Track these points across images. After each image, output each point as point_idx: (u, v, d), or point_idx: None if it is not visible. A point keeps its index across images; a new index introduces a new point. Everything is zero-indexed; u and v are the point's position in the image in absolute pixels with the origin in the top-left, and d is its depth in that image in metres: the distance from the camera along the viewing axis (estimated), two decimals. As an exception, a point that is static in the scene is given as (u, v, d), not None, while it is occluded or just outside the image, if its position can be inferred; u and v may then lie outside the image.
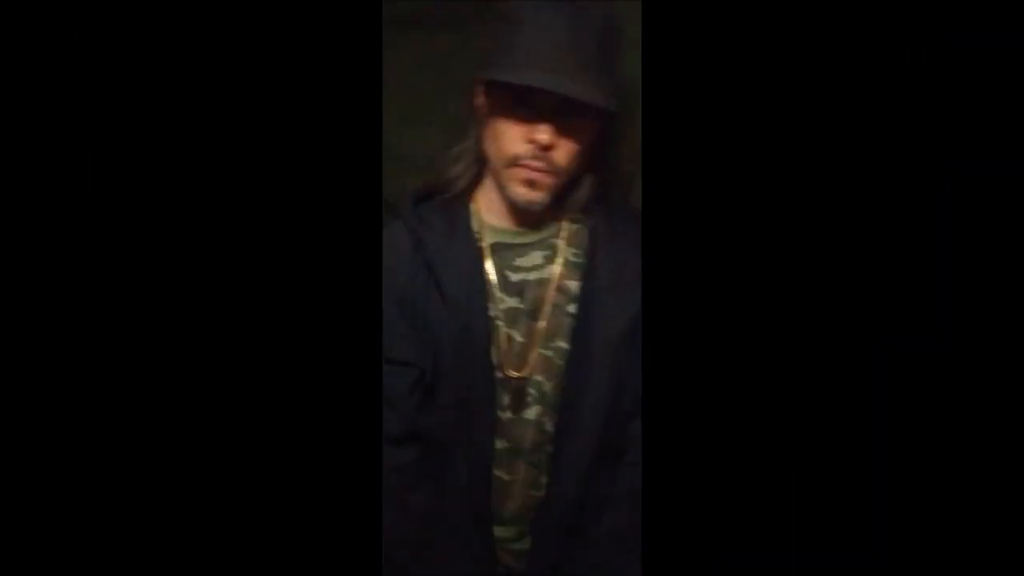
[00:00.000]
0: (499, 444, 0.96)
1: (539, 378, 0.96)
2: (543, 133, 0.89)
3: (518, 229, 0.98)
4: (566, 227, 0.98)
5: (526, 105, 0.89)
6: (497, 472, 0.96)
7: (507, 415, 0.96)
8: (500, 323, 0.95)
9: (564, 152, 0.92)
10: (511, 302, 0.96)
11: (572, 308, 0.96)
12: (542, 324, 0.95)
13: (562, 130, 0.90)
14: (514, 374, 0.95)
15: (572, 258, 0.98)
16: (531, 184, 0.92)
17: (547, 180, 0.92)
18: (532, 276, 0.97)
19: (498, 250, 0.98)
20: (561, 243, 0.98)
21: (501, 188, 0.95)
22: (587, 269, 0.97)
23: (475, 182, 0.99)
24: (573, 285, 0.97)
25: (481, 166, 0.98)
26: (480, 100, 0.93)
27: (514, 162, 0.92)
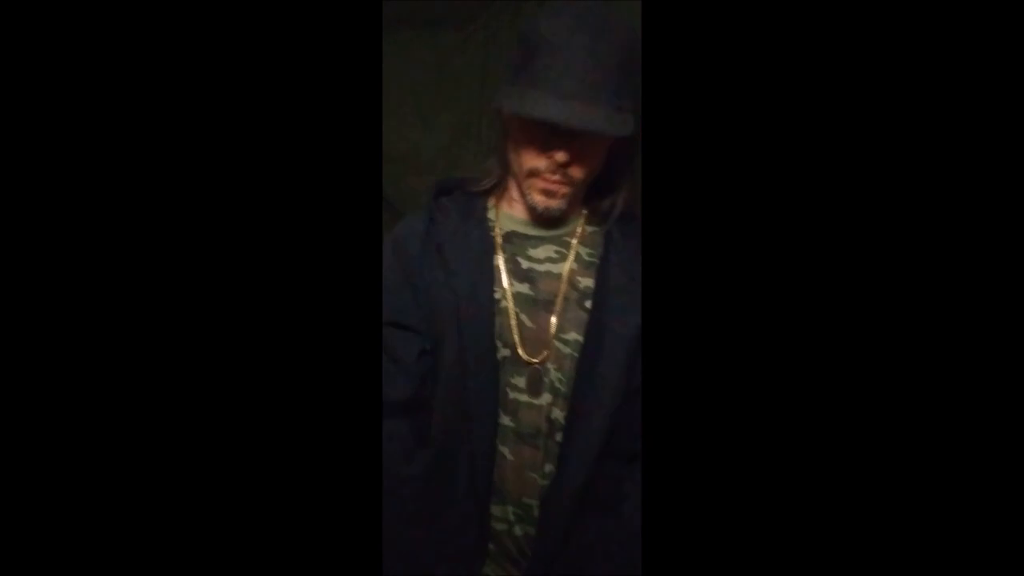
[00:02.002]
0: (505, 421, 0.98)
1: (551, 367, 0.98)
2: (559, 154, 0.94)
3: (535, 225, 1.02)
4: (581, 228, 1.02)
5: (545, 126, 0.92)
6: (501, 448, 0.98)
7: (522, 397, 0.98)
8: (508, 306, 0.99)
9: (580, 167, 0.96)
10: (520, 287, 1.00)
11: (587, 303, 0.99)
12: (555, 315, 0.98)
13: (578, 147, 0.95)
14: (530, 359, 0.97)
15: (586, 257, 1.01)
16: (549, 194, 0.98)
17: (564, 190, 0.98)
18: (543, 267, 1.01)
19: (510, 239, 1.02)
20: (575, 242, 1.02)
21: (522, 194, 1.00)
22: (600, 268, 1.00)
23: (499, 184, 1.04)
24: (586, 282, 1.00)
25: (505, 171, 1.02)
26: (505, 115, 0.97)
27: (533, 174, 0.97)
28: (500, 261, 1.01)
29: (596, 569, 0.97)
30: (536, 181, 0.97)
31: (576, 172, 0.96)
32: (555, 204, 0.98)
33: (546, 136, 0.94)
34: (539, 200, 0.98)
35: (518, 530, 0.99)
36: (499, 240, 1.02)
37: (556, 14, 0.93)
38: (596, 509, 0.98)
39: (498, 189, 1.04)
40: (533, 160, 0.96)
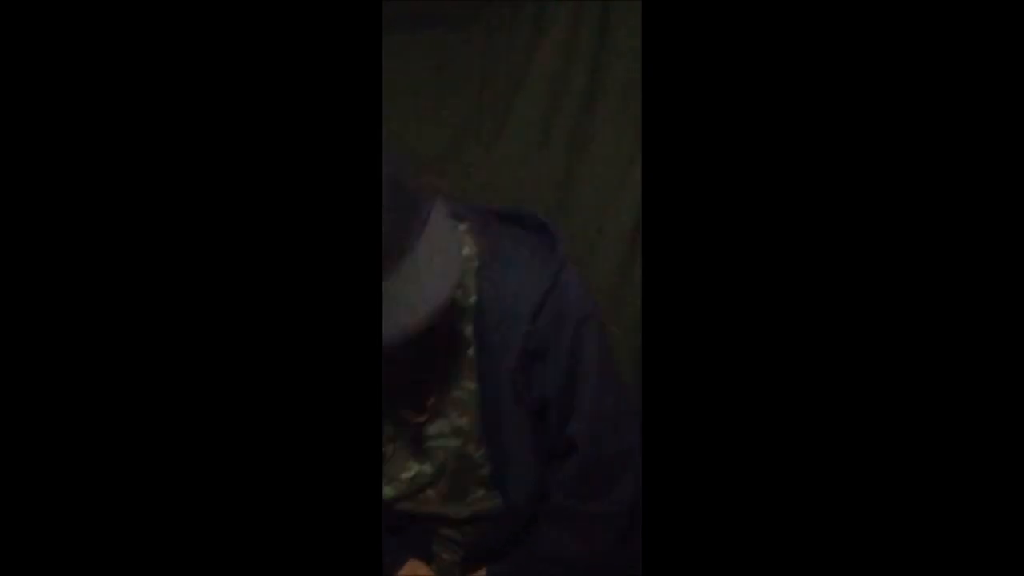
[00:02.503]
0: (423, 469, 1.03)
1: (451, 414, 1.01)
2: None
3: None
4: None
5: None
6: (425, 492, 1.04)
7: (434, 443, 1.02)
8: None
9: None
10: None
11: (470, 352, 0.99)
12: (447, 367, 0.99)
13: None
14: (416, 418, 1.00)
15: (466, 303, 0.99)
16: None
17: None
18: None
19: None
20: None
21: None
22: (476, 306, 0.98)
23: None
24: (467, 331, 0.99)
25: None
26: None
27: None
28: None
29: (534, 548, 1.04)
30: None
31: None
32: None
33: None
34: None
35: (448, 532, 1.06)
36: None
37: None
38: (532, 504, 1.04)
39: None
40: None
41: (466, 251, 0.97)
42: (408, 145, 1.31)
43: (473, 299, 0.98)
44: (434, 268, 0.87)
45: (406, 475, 1.03)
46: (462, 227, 0.99)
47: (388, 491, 1.04)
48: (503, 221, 1.03)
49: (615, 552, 1.04)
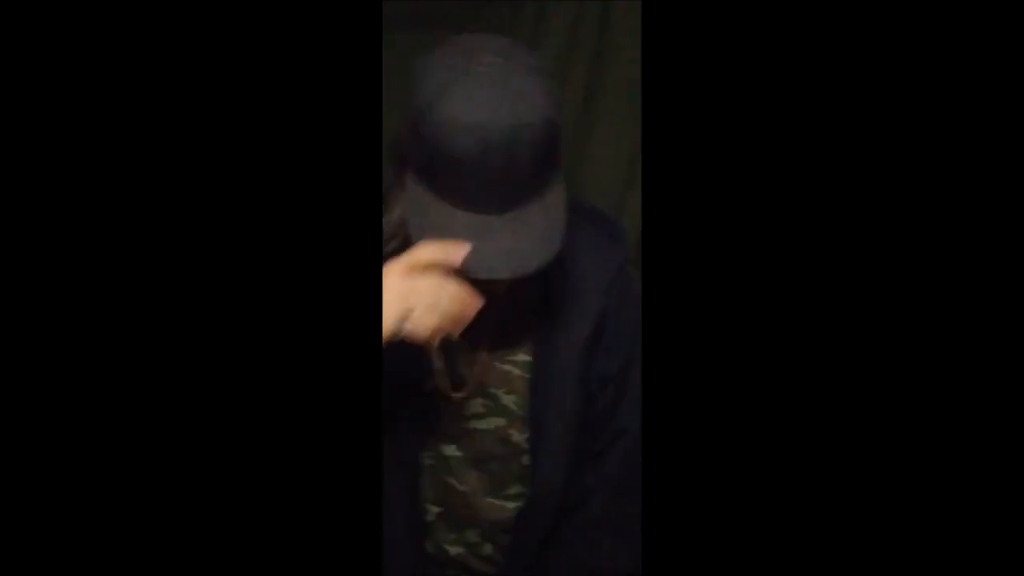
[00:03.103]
0: (449, 452, 0.99)
1: (500, 391, 0.98)
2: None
3: None
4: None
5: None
6: (449, 479, 0.99)
7: (469, 424, 0.99)
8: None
9: None
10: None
11: (531, 323, 0.97)
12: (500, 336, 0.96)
13: None
14: (454, 394, 0.96)
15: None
16: None
17: None
18: None
19: None
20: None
21: None
22: (544, 278, 0.93)
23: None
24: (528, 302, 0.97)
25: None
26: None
27: None
28: None
29: (567, 560, 1.00)
30: None
31: None
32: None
33: None
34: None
35: (487, 549, 1.01)
36: None
37: (460, 118, 0.80)
38: (567, 510, 1.00)
39: None
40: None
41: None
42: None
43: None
44: (538, 230, 0.83)
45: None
46: None
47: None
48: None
49: None
